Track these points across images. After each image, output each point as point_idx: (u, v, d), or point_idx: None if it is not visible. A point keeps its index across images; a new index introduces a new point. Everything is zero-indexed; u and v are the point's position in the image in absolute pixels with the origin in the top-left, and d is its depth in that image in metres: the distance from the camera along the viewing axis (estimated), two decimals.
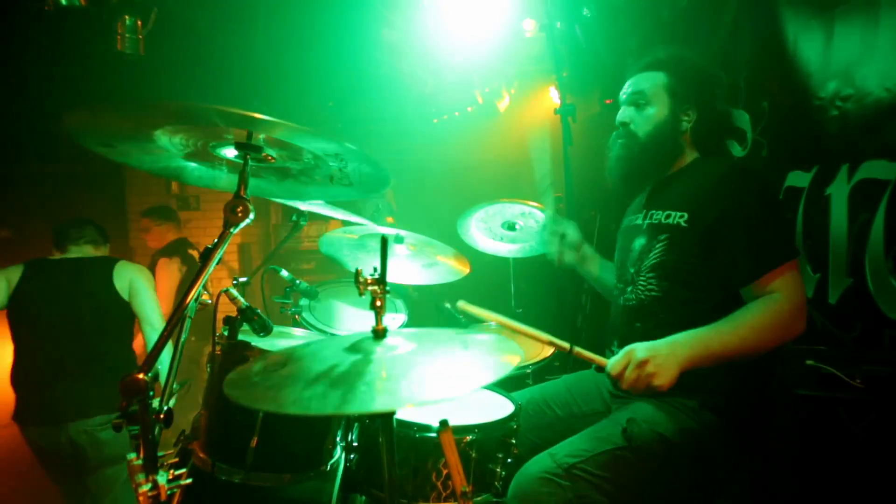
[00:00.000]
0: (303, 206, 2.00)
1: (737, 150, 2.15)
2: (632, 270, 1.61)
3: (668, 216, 1.53)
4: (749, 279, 1.39)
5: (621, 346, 1.59)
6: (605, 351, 1.69)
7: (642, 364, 1.29)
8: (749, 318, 1.35)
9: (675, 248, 1.49)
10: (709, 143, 1.65)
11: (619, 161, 1.65)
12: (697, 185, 1.52)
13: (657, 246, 1.53)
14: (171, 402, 1.03)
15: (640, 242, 1.60)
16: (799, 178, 1.83)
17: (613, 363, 1.33)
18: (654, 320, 1.51)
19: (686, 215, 1.49)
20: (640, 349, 1.31)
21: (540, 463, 1.38)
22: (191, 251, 3.71)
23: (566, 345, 1.36)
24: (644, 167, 1.63)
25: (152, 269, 3.58)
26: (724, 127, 1.81)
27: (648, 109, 1.60)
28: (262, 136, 1.14)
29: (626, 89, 1.67)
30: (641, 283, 1.56)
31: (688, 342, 1.33)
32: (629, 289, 1.61)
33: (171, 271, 3.53)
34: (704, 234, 1.45)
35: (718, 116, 1.67)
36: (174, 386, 1.08)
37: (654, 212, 1.60)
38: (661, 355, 1.30)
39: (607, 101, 3.16)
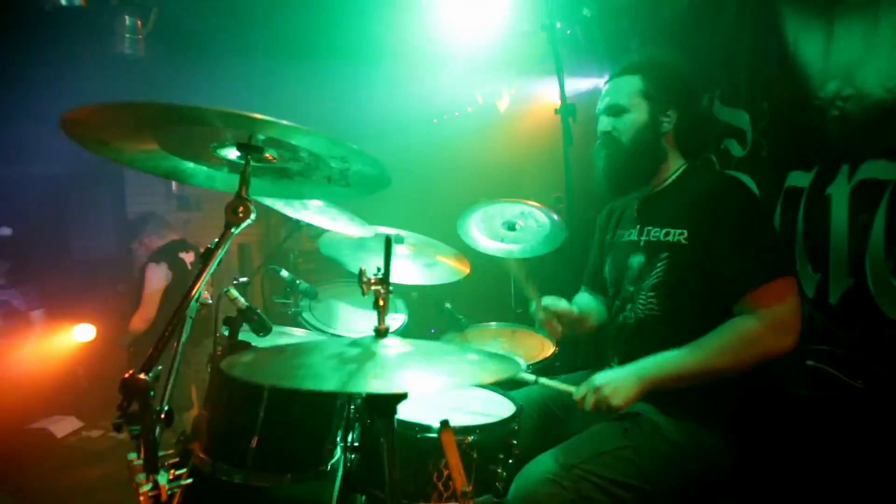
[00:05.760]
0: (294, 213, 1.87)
1: (737, 150, 2.15)
2: (630, 289, 1.60)
3: (666, 233, 1.52)
4: (735, 297, 1.40)
5: (622, 363, 1.60)
6: (605, 367, 1.69)
7: (598, 389, 1.39)
8: (717, 341, 1.37)
9: (677, 266, 1.49)
10: (692, 142, 1.65)
11: (606, 171, 1.66)
12: (692, 199, 1.51)
13: (658, 265, 1.52)
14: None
15: (638, 260, 1.59)
16: (799, 178, 1.83)
17: (579, 391, 1.44)
18: (654, 338, 1.50)
19: (685, 232, 1.48)
20: (597, 377, 1.42)
21: (542, 464, 1.38)
22: (182, 255, 3.69)
23: (532, 377, 1.55)
24: (631, 173, 1.63)
25: (142, 272, 3.59)
26: (706, 125, 1.82)
27: (627, 115, 1.59)
28: (263, 137, 1.13)
29: (604, 98, 1.66)
30: (641, 301, 1.55)
31: (654, 366, 1.40)
32: (628, 307, 1.61)
33: (156, 277, 3.53)
34: (703, 251, 1.44)
35: (699, 115, 1.68)
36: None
37: (650, 228, 1.58)
38: (616, 379, 1.40)
39: None
